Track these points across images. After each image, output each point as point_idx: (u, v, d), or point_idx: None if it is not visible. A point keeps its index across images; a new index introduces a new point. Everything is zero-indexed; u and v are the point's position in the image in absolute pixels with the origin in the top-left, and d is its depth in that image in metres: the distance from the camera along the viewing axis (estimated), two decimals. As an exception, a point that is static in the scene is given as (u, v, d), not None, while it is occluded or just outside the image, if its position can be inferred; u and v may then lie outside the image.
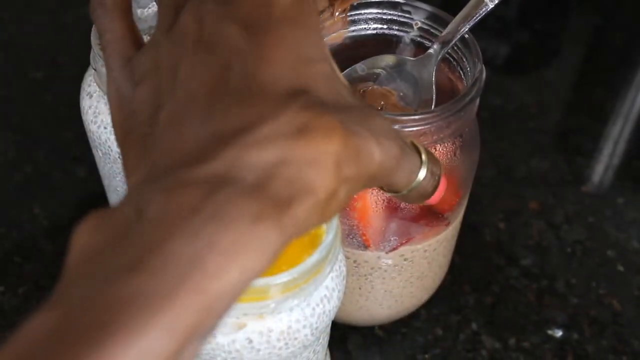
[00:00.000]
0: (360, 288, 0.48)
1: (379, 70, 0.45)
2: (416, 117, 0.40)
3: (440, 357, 0.52)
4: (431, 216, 0.45)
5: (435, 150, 0.42)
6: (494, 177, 0.62)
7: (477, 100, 0.43)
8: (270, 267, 0.25)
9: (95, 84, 0.46)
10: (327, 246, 0.36)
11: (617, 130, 0.69)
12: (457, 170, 0.45)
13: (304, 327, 0.37)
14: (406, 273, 0.48)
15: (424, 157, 0.31)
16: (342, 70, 0.45)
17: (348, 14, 0.42)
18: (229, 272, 0.23)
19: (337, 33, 0.43)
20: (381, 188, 0.31)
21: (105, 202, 0.53)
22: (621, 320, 0.54)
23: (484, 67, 0.42)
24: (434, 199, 0.32)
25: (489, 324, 0.54)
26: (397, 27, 0.45)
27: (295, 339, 0.36)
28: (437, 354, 0.52)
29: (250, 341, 0.36)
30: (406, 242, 0.45)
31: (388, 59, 0.45)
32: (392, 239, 0.45)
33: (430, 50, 0.43)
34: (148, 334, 0.22)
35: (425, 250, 0.47)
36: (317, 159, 0.25)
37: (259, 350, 0.36)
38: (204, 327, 0.23)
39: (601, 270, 0.57)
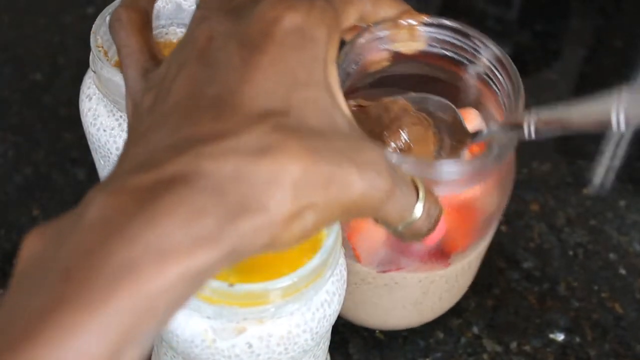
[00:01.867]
0: (350, 294, 0.48)
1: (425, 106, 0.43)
2: (443, 165, 0.38)
3: (441, 361, 0.52)
4: (430, 253, 0.43)
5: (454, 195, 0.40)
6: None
7: (510, 154, 0.40)
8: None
9: (94, 86, 0.46)
10: (327, 250, 0.35)
11: (619, 133, 0.68)
12: (478, 212, 0.43)
13: (304, 331, 0.36)
14: (397, 296, 0.47)
15: (421, 195, 0.30)
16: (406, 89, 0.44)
17: (419, 30, 0.41)
18: (163, 275, 0.23)
19: (406, 44, 0.42)
20: (374, 219, 0.30)
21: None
22: (623, 323, 0.54)
23: (524, 129, 0.39)
24: (430, 240, 0.32)
25: (490, 327, 0.53)
26: (465, 56, 0.43)
27: (296, 343, 0.36)
28: (438, 358, 0.52)
29: (250, 346, 0.36)
30: (397, 269, 0.44)
31: (449, 109, 0.43)
32: (383, 262, 0.44)
33: (480, 133, 0.41)
34: (76, 336, 0.22)
35: (420, 281, 0.46)
36: (274, 180, 0.25)
37: (258, 355, 0.36)
38: (142, 330, 0.23)
39: (603, 273, 0.57)
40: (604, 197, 0.62)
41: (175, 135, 0.26)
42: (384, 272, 0.45)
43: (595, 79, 0.74)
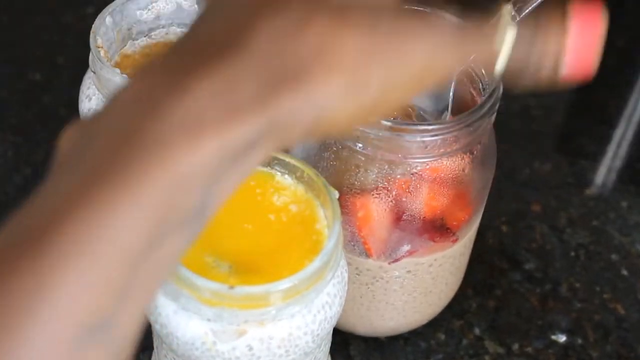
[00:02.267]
0: (361, 297, 0.48)
1: None
2: (428, 127, 0.40)
3: (443, 362, 0.52)
4: (438, 230, 0.45)
5: (443, 165, 0.42)
6: (497, 180, 0.62)
7: (493, 116, 0.42)
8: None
9: (94, 86, 0.45)
10: (328, 252, 0.35)
11: (620, 133, 0.68)
12: (469, 186, 0.45)
13: (305, 334, 0.36)
14: (409, 287, 0.47)
15: (501, 29, 0.27)
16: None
17: None
18: (197, 148, 0.22)
19: None
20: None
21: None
22: (625, 324, 0.54)
23: (501, 83, 0.42)
24: (574, 67, 0.28)
25: (492, 328, 0.53)
26: None
27: (296, 346, 0.36)
28: (439, 359, 0.52)
29: (251, 348, 0.35)
30: (409, 254, 0.45)
31: None
32: (395, 250, 0.45)
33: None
34: (112, 213, 0.21)
35: (430, 265, 0.46)
36: (322, 50, 0.23)
37: (259, 357, 0.36)
38: (179, 211, 0.22)
39: (605, 274, 0.57)
40: (605, 198, 0.62)
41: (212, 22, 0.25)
42: (396, 260, 0.45)
43: (597, 79, 0.74)
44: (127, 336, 0.22)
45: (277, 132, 0.23)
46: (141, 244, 0.22)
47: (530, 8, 0.38)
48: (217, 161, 0.22)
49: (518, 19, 0.39)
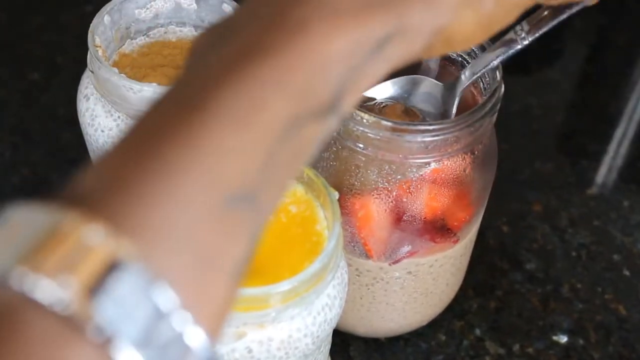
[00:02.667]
0: (361, 298, 0.48)
1: (405, 90, 0.45)
2: (429, 127, 0.40)
3: (444, 363, 0.51)
4: (438, 231, 0.44)
5: (444, 165, 0.42)
6: (497, 180, 0.62)
7: (494, 116, 0.42)
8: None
9: (92, 86, 0.45)
10: (328, 254, 0.35)
11: (621, 132, 0.68)
12: (470, 186, 0.44)
13: (305, 336, 0.36)
14: (409, 288, 0.47)
15: None
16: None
17: None
18: (334, 36, 0.23)
19: None
20: None
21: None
22: (627, 325, 0.54)
23: (502, 83, 0.42)
24: None
25: (493, 329, 0.53)
26: None
27: (296, 348, 0.36)
28: (440, 360, 0.51)
29: (250, 350, 0.35)
30: (409, 255, 0.45)
31: (416, 80, 0.45)
32: (395, 250, 0.45)
33: (462, 77, 0.43)
34: (263, 91, 0.22)
35: (431, 266, 0.46)
36: None
37: (258, 359, 0.35)
38: (315, 97, 0.23)
39: (607, 274, 0.56)
40: (607, 197, 0.62)
41: None
42: (397, 261, 0.45)
43: (598, 78, 0.74)
44: (266, 214, 0.23)
45: (403, 37, 0.25)
46: (282, 125, 0.22)
47: (545, 28, 0.39)
48: (351, 52, 0.24)
49: (532, 38, 0.39)
